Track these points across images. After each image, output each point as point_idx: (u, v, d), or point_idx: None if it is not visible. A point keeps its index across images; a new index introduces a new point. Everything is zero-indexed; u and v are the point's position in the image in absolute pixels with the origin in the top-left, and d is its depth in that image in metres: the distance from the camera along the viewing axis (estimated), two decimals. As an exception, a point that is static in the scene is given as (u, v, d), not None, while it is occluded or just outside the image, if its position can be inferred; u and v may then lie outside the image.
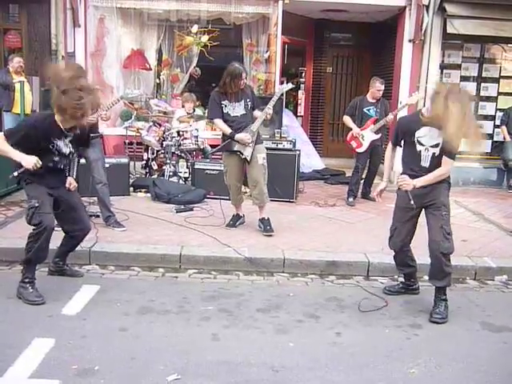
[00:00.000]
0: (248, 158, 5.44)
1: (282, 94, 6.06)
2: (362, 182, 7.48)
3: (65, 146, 3.92)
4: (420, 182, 3.85)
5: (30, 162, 3.73)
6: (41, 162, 3.75)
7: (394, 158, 4.30)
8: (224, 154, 5.66)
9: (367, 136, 7.09)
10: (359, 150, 7.19)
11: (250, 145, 5.40)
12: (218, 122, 5.46)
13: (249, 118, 5.50)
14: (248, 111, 5.49)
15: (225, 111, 5.42)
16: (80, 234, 4.26)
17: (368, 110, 7.18)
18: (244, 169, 5.62)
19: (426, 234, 3.96)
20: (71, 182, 4.13)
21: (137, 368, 3.06)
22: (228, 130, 5.40)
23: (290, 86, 5.81)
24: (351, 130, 7.22)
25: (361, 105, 7.22)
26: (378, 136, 7.11)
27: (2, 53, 8.56)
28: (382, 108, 7.17)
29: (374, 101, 7.19)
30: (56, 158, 3.93)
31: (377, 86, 7.13)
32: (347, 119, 7.31)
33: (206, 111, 9.28)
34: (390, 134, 8.76)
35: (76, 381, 2.90)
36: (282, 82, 9.19)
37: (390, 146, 4.27)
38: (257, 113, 5.55)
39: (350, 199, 7.23)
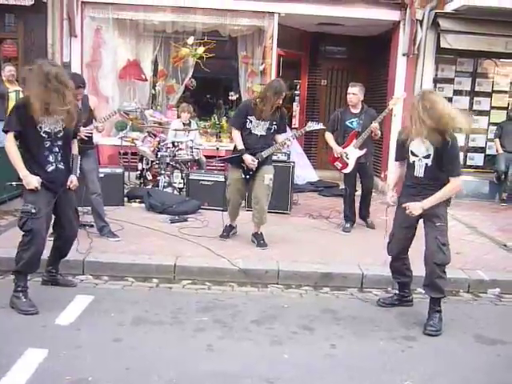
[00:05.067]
0: (246, 179, 5.43)
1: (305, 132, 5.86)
2: (359, 204, 6.72)
3: (54, 123, 3.88)
4: (428, 202, 3.85)
5: (30, 182, 3.81)
6: (40, 182, 3.80)
7: (399, 174, 4.24)
8: (230, 167, 5.64)
9: (351, 153, 6.21)
10: (345, 171, 6.33)
11: (253, 169, 5.37)
12: (236, 133, 5.41)
13: (267, 140, 5.40)
14: (269, 134, 5.39)
15: (247, 126, 5.35)
16: (67, 236, 4.20)
17: (351, 123, 6.24)
18: (247, 185, 5.55)
19: (422, 246, 3.99)
20: (72, 181, 4.09)
21: (131, 379, 3.05)
22: (240, 146, 5.35)
23: (321, 126, 5.70)
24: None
25: (342, 118, 6.29)
26: (363, 151, 6.20)
27: (-2, 62, 8.56)
28: (366, 119, 6.18)
29: (357, 111, 6.26)
30: (47, 143, 3.88)
31: (348, 91, 6.32)
32: (328, 136, 6.38)
33: (203, 123, 9.39)
34: (385, 147, 8.85)
35: (69, 392, 2.89)
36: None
37: (395, 162, 4.33)
38: (279, 137, 5.47)
39: (347, 225, 6.41)
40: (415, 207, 3.87)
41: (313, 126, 5.65)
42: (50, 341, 3.43)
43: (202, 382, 3.06)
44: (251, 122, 5.34)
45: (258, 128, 5.36)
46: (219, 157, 7.89)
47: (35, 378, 2.98)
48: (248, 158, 5.31)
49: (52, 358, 3.21)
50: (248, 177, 5.44)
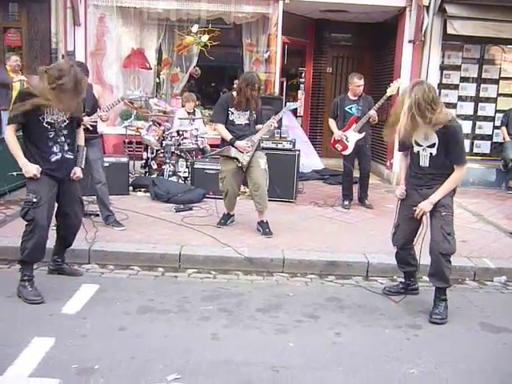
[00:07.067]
0: (244, 166, 5.46)
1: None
2: (357, 187, 7.18)
3: (57, 113, 3.88)
4: (437, 196, 3.84)
5: (29, 171, 3.82)
6: (40, 170, 3.80)
7: (406, 166, 4.18)
8: (221, 160, 5.67)
9: (351, 136, 6.76)
10: (345, 153, 6.87)
11: (249, 154, 5.42)
12: (221, 127, 5.48)
13: (251, 128, 5.53)
14: (252, 122, 5.53)
15: (230, 118, 5.46)
16: (70, 225, 4.21)
17: (350, 109, 6.81)
18: (242, 175, 5.61)
19: (428, 235, 3.97)
20: (75, 172, 4.10)
21: (136, 367, 3.06)
22: (228, 137, 5.42)
23: (297, 105, 6.04)
24: None
25: (342, 104, 6.86)
26: (363, 135, 6.75)
27: (1, 51, 8.54)
28: (364, 104, 6.78)
29: (356, 98, 6.83)
30: (51, 134, 3.88)
31: (355, 82, 6.78)
32: (331, 122, 6.97)
33: (208, 112, 9.36)
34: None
35: (76, 380, 2.90)
36: (281, 83, 9.25)
37: (400, 154, 4.29)
38: (259, 126, 5.59)
39: (346, 202, 6.98)
40: (425, 205, 3.86)
41: (290, 106, 6.06)
42: (57, 330, 3.45)
43: (207, 371, 3.07)
44: (233, 113, 5.46)
45: (241, 118, 5.47)
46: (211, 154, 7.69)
47: (42, 367, 3.00)
48: (241, 143, 5.38)
49: (58, 347, 3.22)
50: (245, 164, 5.45)
